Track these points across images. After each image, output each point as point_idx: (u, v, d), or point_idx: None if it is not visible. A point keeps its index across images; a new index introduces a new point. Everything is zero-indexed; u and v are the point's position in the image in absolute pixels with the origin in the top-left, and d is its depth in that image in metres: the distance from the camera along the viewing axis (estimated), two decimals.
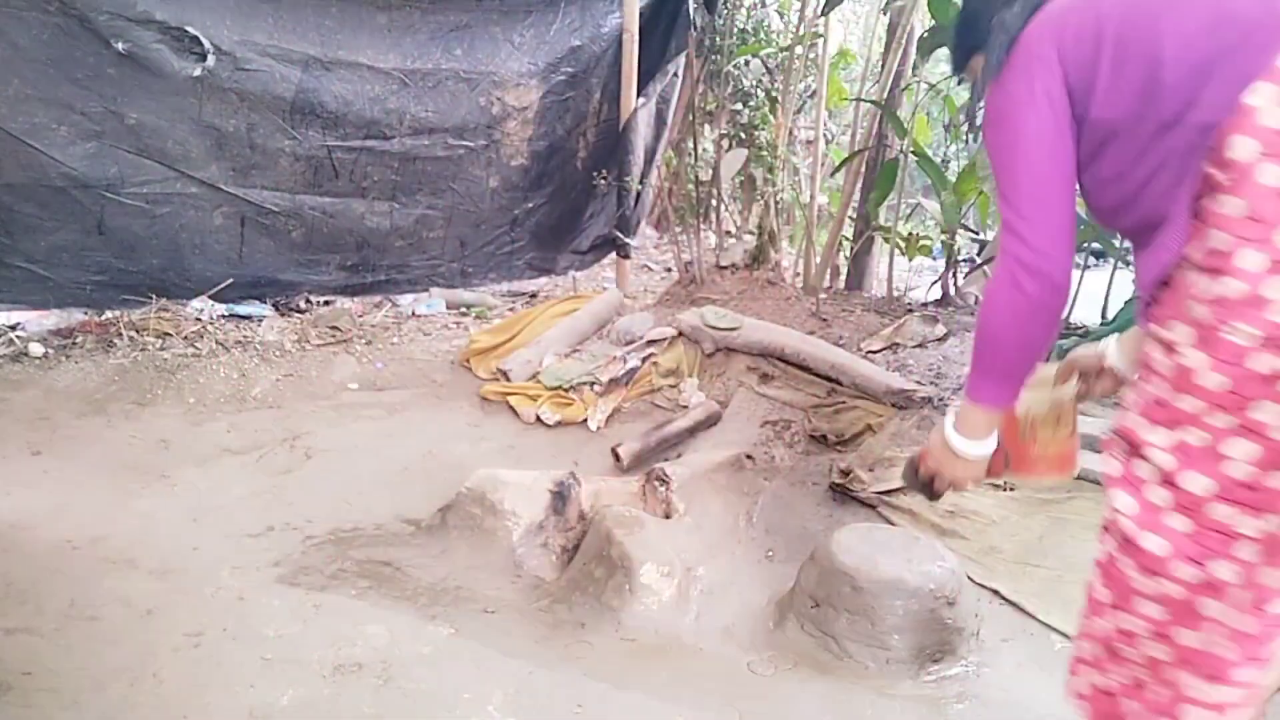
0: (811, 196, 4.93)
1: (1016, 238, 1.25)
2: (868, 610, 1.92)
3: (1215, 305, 1.05)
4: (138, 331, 3.59)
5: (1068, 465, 1.54)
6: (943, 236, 4.36)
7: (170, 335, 3.60)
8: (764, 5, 5.52)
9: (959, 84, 1.41)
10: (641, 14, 4.57)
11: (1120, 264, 3.87)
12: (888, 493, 2.56)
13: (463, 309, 4.54)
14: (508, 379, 3.47)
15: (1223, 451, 1.06)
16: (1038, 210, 1.25)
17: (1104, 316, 3.49)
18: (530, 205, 4.80)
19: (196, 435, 2.98)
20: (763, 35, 5.28)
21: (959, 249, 4.42)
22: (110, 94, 3.40)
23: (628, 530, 2.19)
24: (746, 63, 5.35)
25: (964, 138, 4.47)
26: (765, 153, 4.71)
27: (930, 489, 1.51)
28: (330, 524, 2.48)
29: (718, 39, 4.93)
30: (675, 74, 4.82)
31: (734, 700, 1.80)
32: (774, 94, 5.20)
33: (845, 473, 2.65)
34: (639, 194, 4.77)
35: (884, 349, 3.58)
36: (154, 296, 3.73)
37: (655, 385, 3.48)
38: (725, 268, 4.52)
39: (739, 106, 5.36)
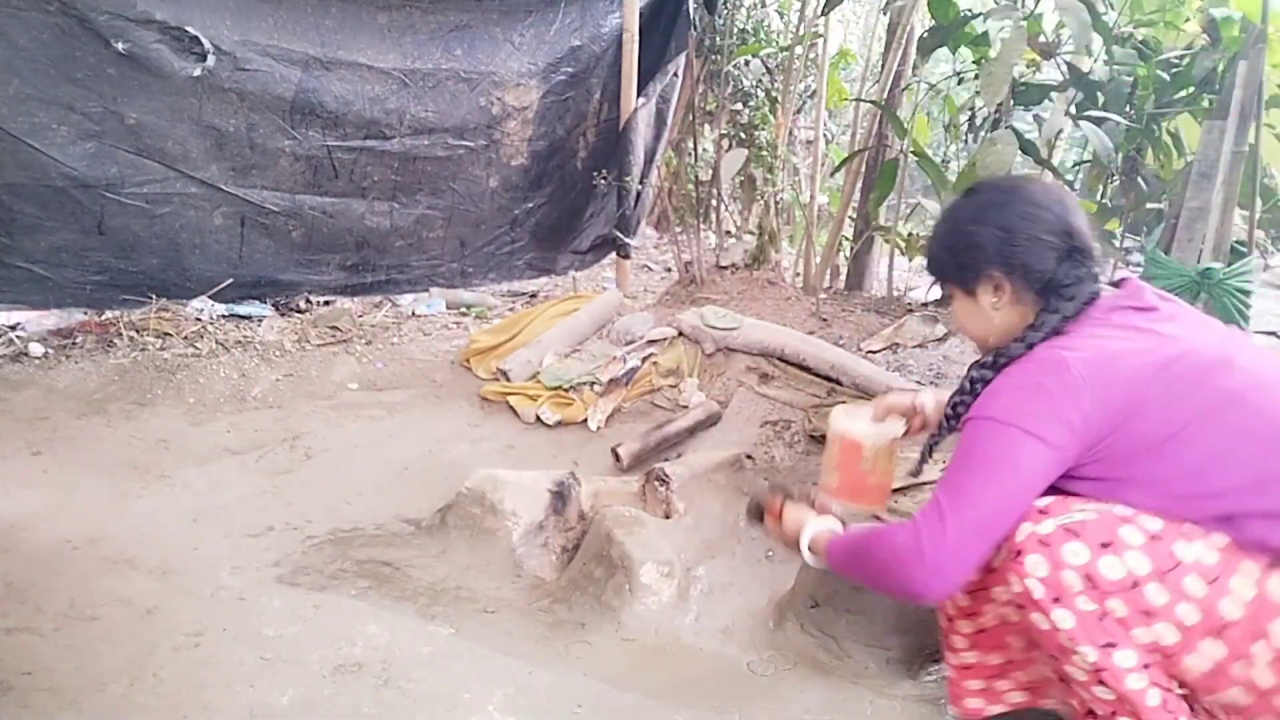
0: (811, 196, 4.93)
1: (943, 545, 1.29)
2: (868, 610, 1.92)
3: None
4: (138, 331, 3.59)
5: (886, 496, 1.74)
6: None
7: (170, 335, 3.60)
8: (764, 5, 5.51)
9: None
10: (641, 14, 4.57)
11: (1120, 264, 3.87)
12: None
13: (463, 309, 4.54)
14: (508, 379, 3.47)
15: None
16: (977, 543, 1.30)
17: None
18: (530, 205, 4.80)
19: (196, 435, 2.98)
20: (763, 35, 5.27)
21: None
22: (110, 94, 3.39)
23: (628, 530, 2.19)
24: (746, 63, 5.34)
25: (964, 138, 4.47)
26: (765, 153, 4.71)
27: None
28: (330, 524, 2.48)
29: (718, 39, 4.93)
30: (675, 74, 4.82)
31: (734, 700, 1.80)
32: (774, 94, 5.19)
33: None
34: (639, 194, 4.76)
35: (884, 349, 3.58)
36: (154, 296, 3.73)
37: (655, 385, 3.48)
38: (725, 268, 4.52)
39: (739, 106, 5.36)
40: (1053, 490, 1.32)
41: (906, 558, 1.31)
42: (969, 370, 1.46)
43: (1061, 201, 1.46)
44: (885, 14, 4.69)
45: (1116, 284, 1.46)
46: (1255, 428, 1.23)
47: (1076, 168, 4.66)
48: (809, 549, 1.58)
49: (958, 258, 1.46)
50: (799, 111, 5.76)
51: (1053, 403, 1.26)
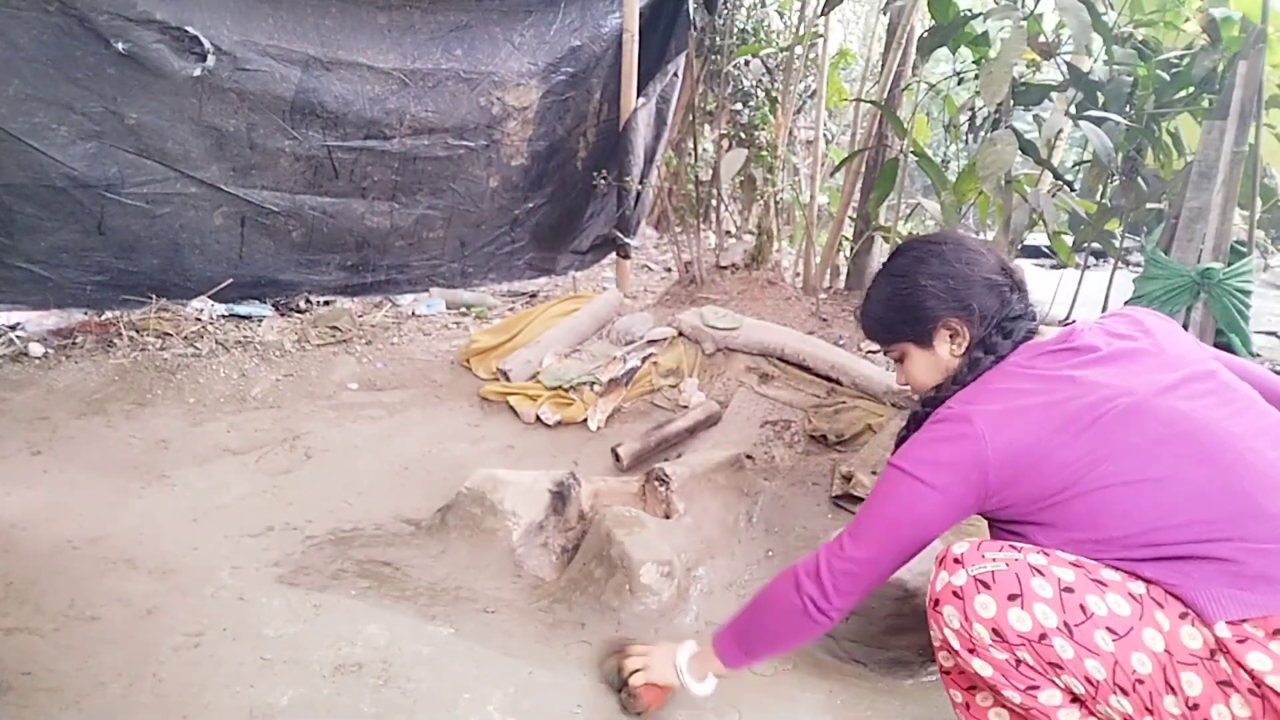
0: (811, 196, 4.93)
1: (839, 565, 1.41)
2: (867, 610, 1.92)
3: None
4: (138, 331, 3.59)
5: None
6: None
7: (170, 335, 3.60)
8: (764, 5, 5.52)
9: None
10: (641, 14, 4.57)
11: (1120, 264, 3.87)
12: None
13: (463, 309, 4.54)
14: (508, 379, 3.47)
15: None
16: (870, 570, 1.41)
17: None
18: (530, 205, 4.80)
19: (196, 435, 2.98)
20: (763, 35, 5.28)
21: None
22: (110, 94, 3.39)
23: (628, 530, 2.19)
24: (746, 63, 5.35)
25: (964, 138, 4.47)
26: (765, 153, 4.71)
27: (627, 695, 1.70)
28: (330, 524, 2.48)
29: (718, 39, 4.93)
30: (675, 74, 4.82)
31: (734, 700, 1.80)
32: (774, 94, 5.20)
33: (847, 478, 2.65)
34: (639, 194, 4.77)
35: None
36: (154, 296, 3.73)
37: (655, 385, 3.48)
38: (725, 268, 4.52)
39: (739, 106, 5.36)
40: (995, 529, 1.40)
41: (806, 579, 1.41)
42: (915, 406, 1.53)
43: (989, 246, 1.53)
44: (885, 14, 4.69)
45: (1065, 322, 1.48)
46: (1151, 479, 1.23)
47: (1076, 168, 4.66)
48: (688, 673, 1.60)
49: (912, 313, 1.48)
50: (799, 111, 5.77)
51: (952, 457, 1.33)
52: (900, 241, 4.39)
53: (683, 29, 4.69)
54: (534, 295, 4.97)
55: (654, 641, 1.73)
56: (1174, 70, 3.34)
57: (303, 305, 4.22)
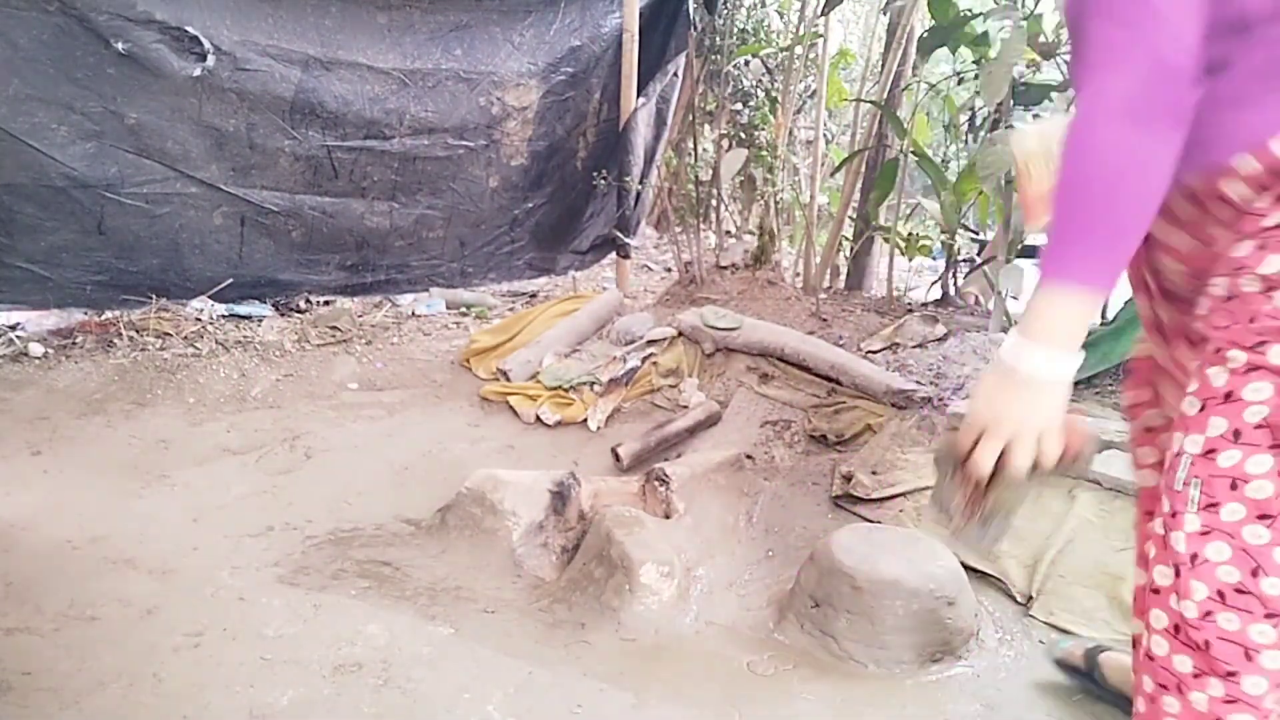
0: (811, 196, 4.93)
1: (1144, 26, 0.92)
2: (868, 610, 1.92)
3: None
4: (138, 331, 3.59)
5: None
6: (943, 236, 4.36)
7: (170, 335, 3.60)
8: (764, 5, 5.52)
9: None
10: (641, 14, 4.57)
11: None
12: (889, 498, 2.55)
13: (463, 309, 4.54)
14: (508, 379, 3.47)
15: None
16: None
17: (1103, 315, 3.49)
18: (530, 205, 4.81)
19: (196, 435, 2.98)
20: (763, 35, 5.28)
21: (959, 249, 4.41)
22: (110, 94, 3.39)
23: (628, 530, 2.19)
24: (746, 63, 5.35)
25: (964, 138, 4.47)
26: (765, 153, 4.71)
27: (978, 498, 1.05)
28: (330, 524, 2.48)
29: (718, 39, 4.93)
30: (675, 74, 4.82)
31: (734, 700, 1.80)
32: (774, 94, 5.20)
33: (847, 478, 2.64)
34: (639, 194, 4.77)
35: (884, 349, 3.58)
36: (154, 296, 3.73)
37: (655, 385, 3.48)
38: (725, 268, 4.52)
39: (739, 106, 5.37)
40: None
41: (1106, 74, 0.94)
42: None
43: None
44: (885, 14, 4.70)
45: None
46: None
47: None
48: (1039, 345, 0.99)
49: None
50: (799, 111, 5.77)
51: None
52: (900, 241, 4.41)
53: (683, 29, 4.69)
54: (534, 295, 4.97)
55: None
56: None
57: (303, 305, 4.22)
